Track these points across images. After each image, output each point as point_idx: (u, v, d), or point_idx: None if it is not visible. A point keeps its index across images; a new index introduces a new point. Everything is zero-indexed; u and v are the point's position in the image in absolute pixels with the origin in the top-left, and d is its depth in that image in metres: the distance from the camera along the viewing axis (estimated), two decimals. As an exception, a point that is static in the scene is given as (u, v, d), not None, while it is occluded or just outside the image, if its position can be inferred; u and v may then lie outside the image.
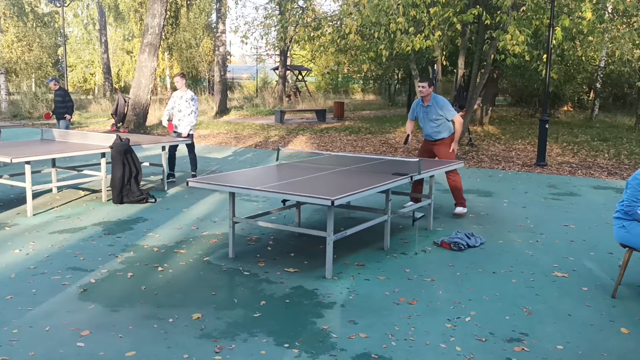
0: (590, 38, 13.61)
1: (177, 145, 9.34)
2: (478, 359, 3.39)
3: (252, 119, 23.22)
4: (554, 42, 11.50)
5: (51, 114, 12.41)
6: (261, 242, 5.84)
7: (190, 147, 9.38)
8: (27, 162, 6.80)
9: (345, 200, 4.65)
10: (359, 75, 33.89)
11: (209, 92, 33.90)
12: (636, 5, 12.70)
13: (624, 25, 12.96)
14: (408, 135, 7.42)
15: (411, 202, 7.27)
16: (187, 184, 5.17)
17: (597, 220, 6.95)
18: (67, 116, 12.32)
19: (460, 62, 14.83)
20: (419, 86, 7.01)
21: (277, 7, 24.69)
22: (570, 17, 11.51)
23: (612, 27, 12.72)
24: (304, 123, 21.23)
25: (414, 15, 11.50)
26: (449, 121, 7.03)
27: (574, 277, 4.90)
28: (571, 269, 5.11)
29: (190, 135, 9.21)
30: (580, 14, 11.24)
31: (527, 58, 12.26)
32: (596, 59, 21.49)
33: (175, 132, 9.26)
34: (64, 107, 12.32)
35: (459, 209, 7.09)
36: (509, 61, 12.16)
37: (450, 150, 7.04)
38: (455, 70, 16.98)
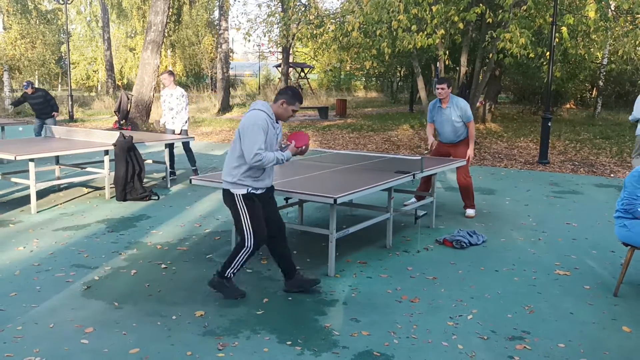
0: (593, 36, 13.58)
1: (174, 143, 9.32)
2: (480, 357, 3.41)
3: (255, 116, 23.18)
4: (557, 40, 11.48)
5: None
6: (264, 239, 5.85)
7: (186, 143, 9.36)
8: (31, 160, 6.83)
9: (348, 199, 4.67)
10: (361, 72, 33.86)
11: (212, 90, 33.93)
12: (641, 4, 12.66)
13: (628, 24, 12.92)
14: (432, 144, 7.14)
15: (414, 199, 7.26)
16: (190, 182, 5.19)
17: (600, 219, 6.95)
18: (55, 113, 12.27)
19: (463, 59, 14.80)
20: (437, 88, 6.81)
21: (279, 4, 24.69)
22: (574, 15, 11.48)
23: (616, 25, 12.68)
24: (306, 120, 21.24)
25: (416, 13, 11.48)
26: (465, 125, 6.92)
27: (576, 275, 4.91)
28: (573, 267, 5.12)
29: (184, 132, 9.20)
30: (584, 12, 11.21)
31: (531, 55, 12.22)
32: (599, 57, 21.44)
33: (168, 129, 9.26)
34: (48, 106, 12.19)
35: (470, 212, 7.01)
36: (507, 61, 12.15)
37: (467, 157, 6.94)
38: (457, 68, 16.96)
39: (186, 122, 9.22)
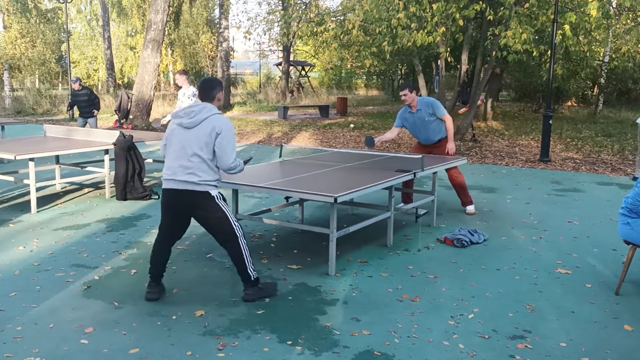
0: (594, 34, 13.55)
1: None
2: (481, 357, 3.39)
3: (256, 114, 23.21)
4: (559, 37, 11.44)
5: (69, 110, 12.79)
6: (264, 238, 5.85)
7: None
8: (31, 159, 6.81)
9: (349, 197, 4.65)
10: (362, 70, 33.83)
11: (213, 88, 33.85)
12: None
13: (630, 21, 12.88)
14: (372, 138, 6.87)
15: (402, 204, 7.03)
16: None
17: (601, 217, 6.93)
18: (95, 112, 12.65)
19: (464, 57, 14.78)
20: (401, 95, 6.67)
21: (280, 2, 24.68)
22: (576, 13, 11.46)
23: (617, 22, 12.66)
24: (307, 119, 21.21)
25: (414, 11, 11.46)
26: (441, 120, 6.85)
27: (577, 273, 4.89)
28: (575, 265, 5.10)
29: None
30: (585, 10, 11.19)
31: (535, 54, 12.20)
32: (600, 55, 21.40)
33: None
34: (90, 105, 12.61)
35: (470, 208, 7.02)
36: (511, 57, 12.12)
37: (447, 151, 6.88)
38: (458, 66, 16.94)
39: None
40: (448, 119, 6.87)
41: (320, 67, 41.92)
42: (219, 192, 4.15)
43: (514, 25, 11.02)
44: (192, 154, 3.99)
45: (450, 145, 6.88)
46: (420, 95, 6.87)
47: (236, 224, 4.15)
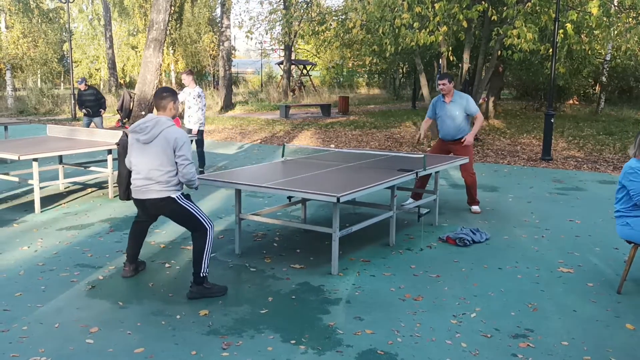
0: (596, 32, 13.54)
1: (203, 142, 9.45)
2: (484, 355, 3.41)
3: (257, 114, 23.23)
4: (561, 36, 11.44)
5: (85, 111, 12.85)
6: (267, 238, 5.87)
7: (199, 142, 9.42)
8: (35, 159, 6.84)
9: (351, 197, 4.67)
10: (363, 69, 33.82)
11: (214, 87, 33.93)
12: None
13: (631, 19, 12.87)
14: (419, 136, 7.11)
15: (411, 200, 7.22)
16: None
17: (603, 215, 6.94)
18: (102, 111, 12.77)
19: (465, 56, 14.77)
20: (439, 84, 6.82)
21: (281, 1, 24.69)
22: (577, 11, 11.46)
23: (618, 20, 12.65)
24: (309, 118, 21.23)
25: (419, 11, 11.47)
26: (469, 117, 6.91)
27: (579, 272, 4.91)
28: (576, 264, 5.12)
29: (199, 132, 9.23)
30: (585, 8, 11.19)
31: (542, 51, 12.20)
32: (602, 53, 21.36)
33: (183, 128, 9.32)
34: (97, 104, 12.71)
35: (476, 207, 7.08)
36: (516, 56, 12.11)
37: (462, 140, 6.90)
38: (460, 65, 16.94)
39: (202, 123, 9.22)
40: (480, 117, 6.98)
41: (321, 65, 41.92)
42: (181, 193, 4.33)
43: (518, 24, 11.02)
44: (152, 168, 4.22)
45: (469, 138, 6.91)
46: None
47: (205, 219, 4.34)
